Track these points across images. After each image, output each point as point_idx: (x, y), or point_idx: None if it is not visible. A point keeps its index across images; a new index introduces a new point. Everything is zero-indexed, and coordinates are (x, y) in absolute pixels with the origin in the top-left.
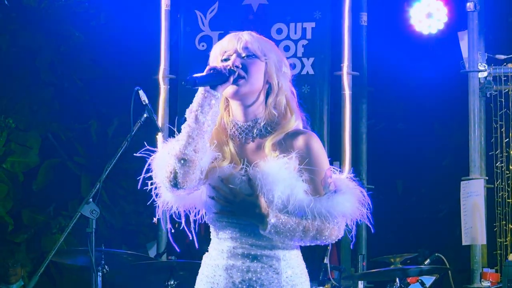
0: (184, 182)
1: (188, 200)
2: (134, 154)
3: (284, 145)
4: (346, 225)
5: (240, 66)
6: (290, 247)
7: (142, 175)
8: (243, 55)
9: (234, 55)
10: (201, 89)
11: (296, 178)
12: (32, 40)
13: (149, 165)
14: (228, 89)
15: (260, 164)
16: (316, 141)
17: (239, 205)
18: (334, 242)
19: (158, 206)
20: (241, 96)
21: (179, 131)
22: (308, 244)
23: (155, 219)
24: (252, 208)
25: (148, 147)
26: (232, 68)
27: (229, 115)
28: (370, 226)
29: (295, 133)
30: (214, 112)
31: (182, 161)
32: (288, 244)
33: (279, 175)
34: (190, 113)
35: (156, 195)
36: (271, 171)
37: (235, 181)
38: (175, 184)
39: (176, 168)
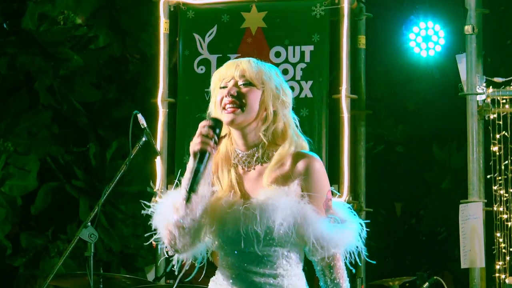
0: (184, 248)
1: (200, 250)
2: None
3: (285, 169)
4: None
5: (236, 94)
6: (295, 276)
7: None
8: (240, 82)
9: (232, 82)
10: (190, 163)
11: (298, 202)
12: (31, 63)
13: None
14: (224, 117)
15: (260, 193)
16: (317, 164)
17: None
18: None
19: (177, 261)
20: (237, 125)
21: (177, 154)
22: None
23: (154, 243)
24: None
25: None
26: (211, 118)
27: (232, 144)
28: (365, 258)
29: (297, 156)
30: (207, 178)
31: (181, 229)
32: (292, 272)
33: (278, 202)
34: (184, 183)
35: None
36: (270, 200)
37: (234, 213)
38: (176, 250)
39: (176, 235)
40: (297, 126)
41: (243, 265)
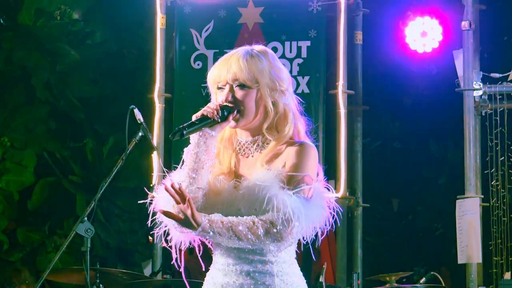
0: None
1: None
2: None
3: (280, 152)
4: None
5: (232, 99)
6: (285, 263)
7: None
8: (234, 85)
9: (227, 87)
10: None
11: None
12: (27, 59)
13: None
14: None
15: (252, 174)
16: (309, 149)
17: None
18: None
19: (171, 247)
20: (239, 126)
21: (174, 149)
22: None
23: (150, 238)
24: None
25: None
26: (226, 104)
27: (236, 133)
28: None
29: (292, 144)
30: (211, 149)
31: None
32: (282, 259)
33: (267, 186)
34: (187, 153)
35: (166, 238)
36: (259, 181)
37: (224, 192)
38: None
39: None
40: (301, 103)
41: (234, 252)
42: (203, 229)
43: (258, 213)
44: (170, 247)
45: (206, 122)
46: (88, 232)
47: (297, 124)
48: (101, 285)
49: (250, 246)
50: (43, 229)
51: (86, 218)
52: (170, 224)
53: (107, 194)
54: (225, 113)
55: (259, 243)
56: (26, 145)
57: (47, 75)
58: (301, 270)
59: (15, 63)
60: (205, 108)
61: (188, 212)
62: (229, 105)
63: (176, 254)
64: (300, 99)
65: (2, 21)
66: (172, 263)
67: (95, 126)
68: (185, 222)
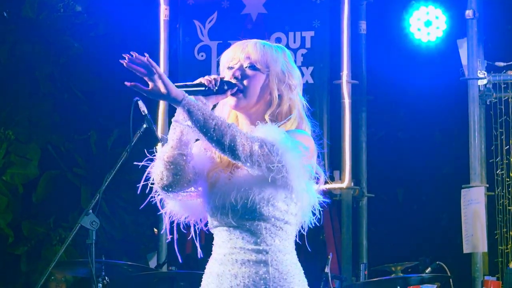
0: (172, 185)
1: (193, 210)
2: (135, 163)
3: None
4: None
5: (240, 77)
6: (279, 252)
7: (142, 183)
8: (245, 65)
9: (237, 65)
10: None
11: None
12: (31, 52)
13: (148, 173)
14: (229, 100)
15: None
16: (302, 132)
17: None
18: (242, 158)
19: (164, 215)
20: (240, 108)
21: None
22: (218, 144)
23: (155, 230)
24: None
25: (149, 156)
26: (229, 80)
27: (238, 124)
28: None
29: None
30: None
31: (168, 164)
32: (276, 248)
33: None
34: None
35: (162, 205)
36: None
37: (219, 182)
38: (163, 186)
39: (164, 171)
40: (308, 109)
41: (230, 241)
42: (185, 102)
43: (249, 203)
44: (179, 237)
45: (200, 87)
46: (93, 224)
47: (303, 125)
48: (106, 278)
49: (228, 155)
50: (48, 222)
51: (91, 211)
52: (162, 193)
53: (112, 186)
54: (225, 87)
55: (230, 150)
56: (31, 138)
57: (50, 68)
58: (306, 261)
59: (18, 56)
60: (205, 76)
61: (164, 79)
62: (233, 81)
63: (173, 230)
64: (308, 106)
65: (5, 14)
66: (162, 232)
67: (99, 119)
68: (160, 93)
